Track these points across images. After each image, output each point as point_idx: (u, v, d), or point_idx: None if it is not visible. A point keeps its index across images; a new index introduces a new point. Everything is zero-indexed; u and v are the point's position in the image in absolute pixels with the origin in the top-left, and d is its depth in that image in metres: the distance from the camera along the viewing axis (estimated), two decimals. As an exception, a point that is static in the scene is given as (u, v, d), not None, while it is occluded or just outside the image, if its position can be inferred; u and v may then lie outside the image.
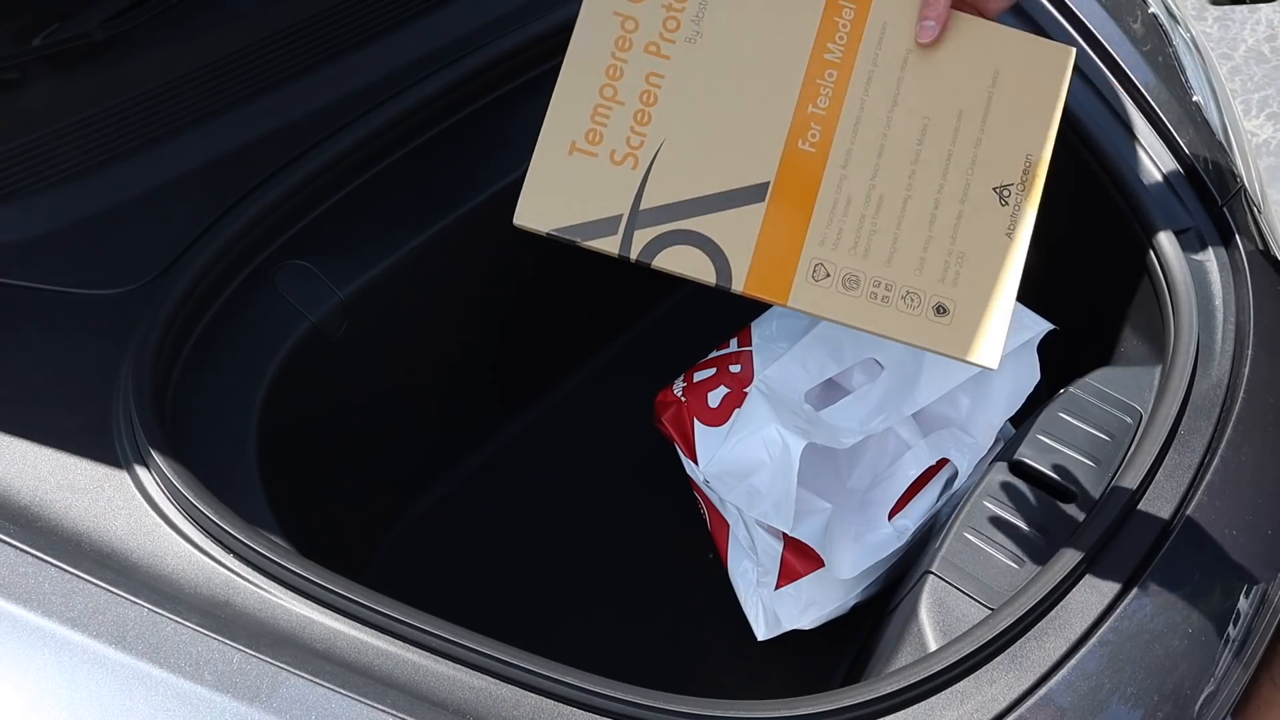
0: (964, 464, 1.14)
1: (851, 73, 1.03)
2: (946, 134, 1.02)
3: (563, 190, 0.99)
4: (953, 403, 1.17)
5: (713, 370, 1.20)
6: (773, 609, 1.19)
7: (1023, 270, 1.00)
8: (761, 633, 1.21)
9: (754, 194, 1.00)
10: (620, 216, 0.99)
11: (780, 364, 1.13)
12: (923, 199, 1.00)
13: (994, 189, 1.01)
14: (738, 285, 0.97)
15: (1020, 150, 1.01)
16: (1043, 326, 1.15)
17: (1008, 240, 1.00)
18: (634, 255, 0.98)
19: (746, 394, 1.13)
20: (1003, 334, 0.97)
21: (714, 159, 1.00)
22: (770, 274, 0.98)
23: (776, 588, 1.18)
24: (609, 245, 0.98)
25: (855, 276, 0.98)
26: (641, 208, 0.99)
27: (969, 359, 0.96)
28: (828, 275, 0.98)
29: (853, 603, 1.18)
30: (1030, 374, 1.16)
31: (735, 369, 1.18)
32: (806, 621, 1.18)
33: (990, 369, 0.96)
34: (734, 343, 1.22)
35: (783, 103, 1.02)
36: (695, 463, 1.18)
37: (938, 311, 0.97)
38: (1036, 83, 1.03)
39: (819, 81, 1.03)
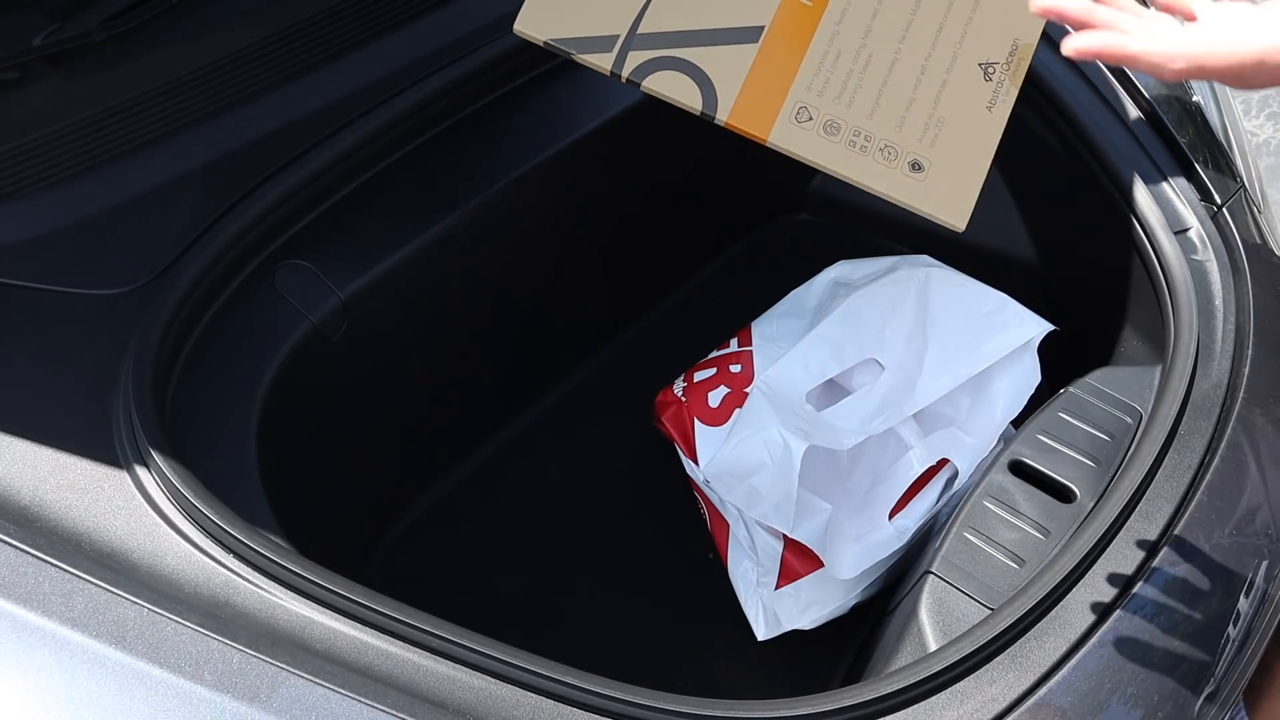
0: (964, 464, 1.14)
1: None
2: (940, 7, 1.07)
3: (565, 3, 1.03)
4: (953, 403, 1.17)
5: (713, 370, 1.20)
6: (773, 609, 1.19)
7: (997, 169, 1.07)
8: (761, 633, 1.21)
9: (749, 35, 1.04)
10: (617, 36, 1.03)
11: (781, 364, 1.13)
12: (910, 63, 1.05)
13: (980, 64, 1.06)
14: (722, 115, 1.02)
15: (1010, 33, 1.07)
16: (1043, 327, 1.15)
17: (987, 113, 1.06)
18: (625, 74, 1.02)
19: (747, 394, 1.13)
20: (973, 197, 1.03)
21: None
22: (755, 109, 1.03)
23: (776, 588, 1.18)
24: (603, 61, 1.03)
25: (837, 124, 1.03)
26: (639, 31, 1.03)
27: (938, 215, 1.02)
28: (810, 118, 1.03)
29: (853, 603, 1.18)
30: (1031, 375, 1.16)
31: (735, 369, 1.18)
32: (806, 621, 1.18)
33: (957, 229, 1.02)
34: (734, 342, 1.22)
35: None
36: (695, 463, 1.18)
37: (913, 167, 1.03)
38: None
39: None
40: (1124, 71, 1.29)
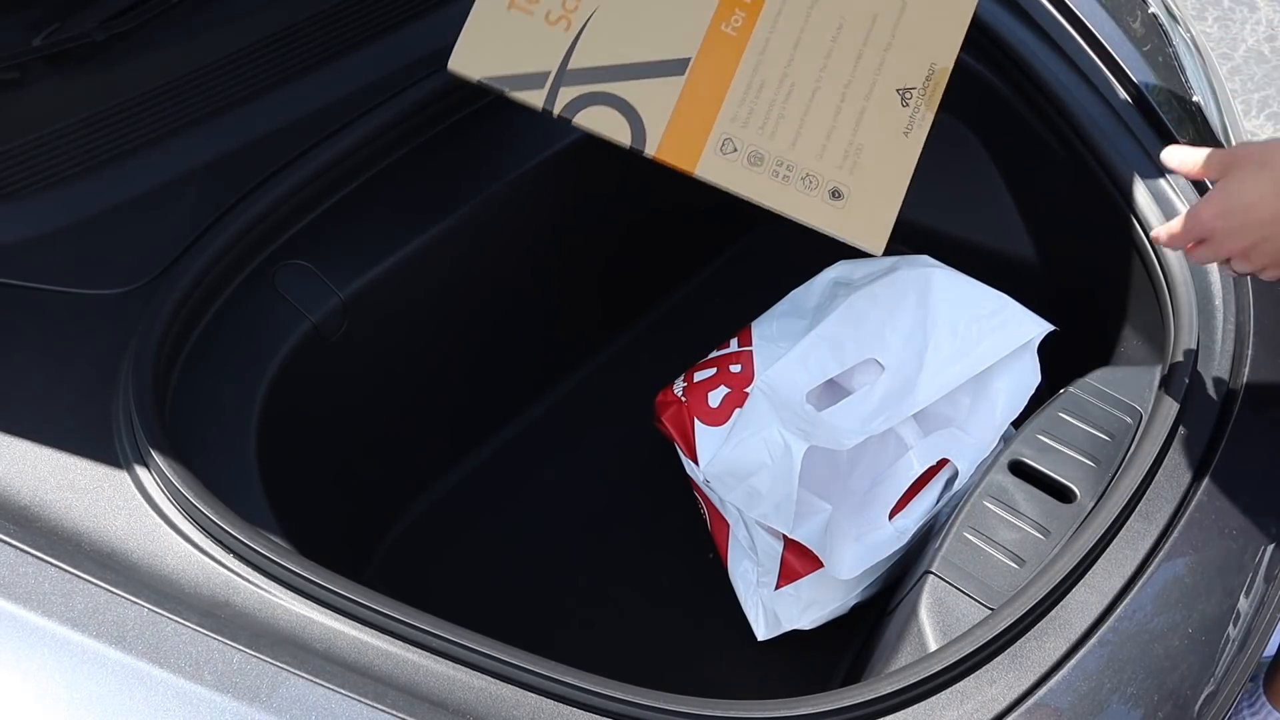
0: (964, 464, 1.14)
1: None
2: (859, 35, 1.09)
3: (497, 43, 1.06)
4: (953, 403, 1.17)
5: (713, 370, 1.20)
6: (773, 609, 1.19)
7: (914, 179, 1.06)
8: (761, 633, 1.21)
9: (675, 67, 1.07)
10: (549, 73, 1.06)
11: (781, 364, 1.13)
12: (831, 91, 1.08)
13: (897, 90, 1.09)
14: (650, 149, 1.05)
15: (926, 58, 1.10)
16: (1043, 327, 1.15)
17: (904, 139, 1.08)
18: (557, 110, 1.05)
19: (747, 394, 1.13)
20: (889, 222, 1.06)
21: (641, 31, 1.07)
22: (682, 143, 1.06)
23: (776, 588, 1.18)
24: (535, 98, 1.05)
25: (760, 154, 1.06)
26: (569, 67, 1.06)
27: (856, 241, 1.05)
28: (735, 150, 1.06)
29: (853, 603, 1.18)
30: (1030, 375, 1.16)
31: (735, 369, 1.18)
32: (806, 621, 1.18)
33: (874, 254, 1.05)
34: (734, 342, 1.22)
35: None
36: (695, 463, 1.18)
37: (833, 195, 1.05)
38: (947, 4, 1.11)
39: None
40: (1124, 71, 1.29)
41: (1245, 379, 1.06)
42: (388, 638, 0.81)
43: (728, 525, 1.22)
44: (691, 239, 1.56)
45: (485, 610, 1.14)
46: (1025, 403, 1.16)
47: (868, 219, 1.06)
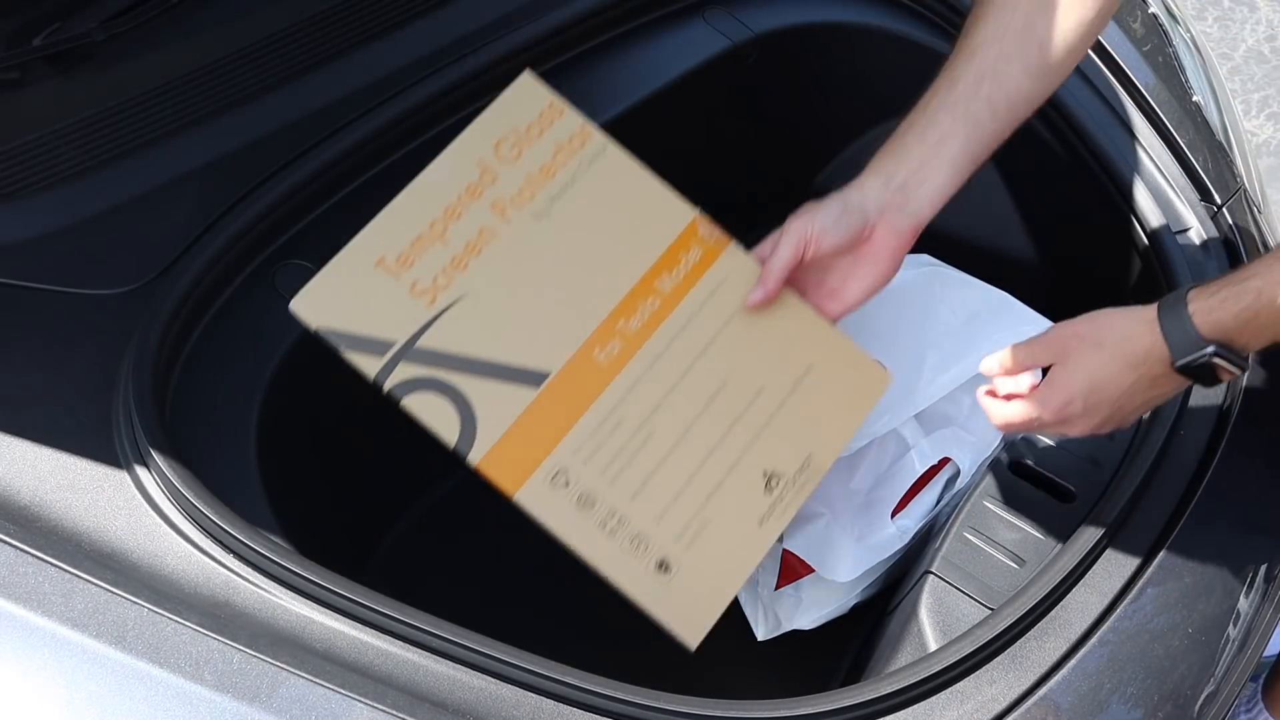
0: (965, 463, 1.14)
1: (674, 309, 1.01)
2: (740, 402, 1.00)
3: (351, 297, 0.95)
4: (955, 402, 1.17)
5: None
6: (773, 609, 1.19)
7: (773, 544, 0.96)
8: (761, 633, 1.21)
9: (531, 379, 0.97)
10: (394, 344, 0.95)
11: None
12: (692, 451, 0.97)
13: (764, 472, 0.98)
14: (474, 457, 0.94)
15: (805, 448, 1.00)
16: (1042, 324, 1.15)
17: (756, 528, 0.97)
18: (387, 386, 0.94)
19: None
20: (713, 616, 0.94)
21: (508, 330, 0.97)
22: (510, 460, 0.95)
23: (776, 588, 1.18)
24: (368, 366, 0.94)
25: (593, 498, 0.95)
26: (417, 345, 0.95)
27: (670, 626, 0.92)
28: (567, 485, 0.95)
29: (853, 603, 1.18)
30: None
31: None
32: (806, 622, 1.18)
33: (687, 647, 0.92)
34: None
35: (595, 308, 1.00)
36: None
37: (660, 566, 0.94)
38: (846, 393, 1.02)
39: (639, 303, 1.01)
40: (1124, 71, 1.29)
41: (1244, 380, 1.06)
42: (388, 638, 0.81)
43: None
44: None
45: (485, 610, 1.14)
46: None
47: (690, 605, 0.93)
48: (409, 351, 0.95)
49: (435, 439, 0.93)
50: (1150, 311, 0.89)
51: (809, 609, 1.18)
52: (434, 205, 0.99)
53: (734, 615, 1.24)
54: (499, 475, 0.94)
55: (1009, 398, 0.97)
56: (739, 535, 0.97)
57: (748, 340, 1.01)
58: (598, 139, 1.04)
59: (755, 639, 1.22)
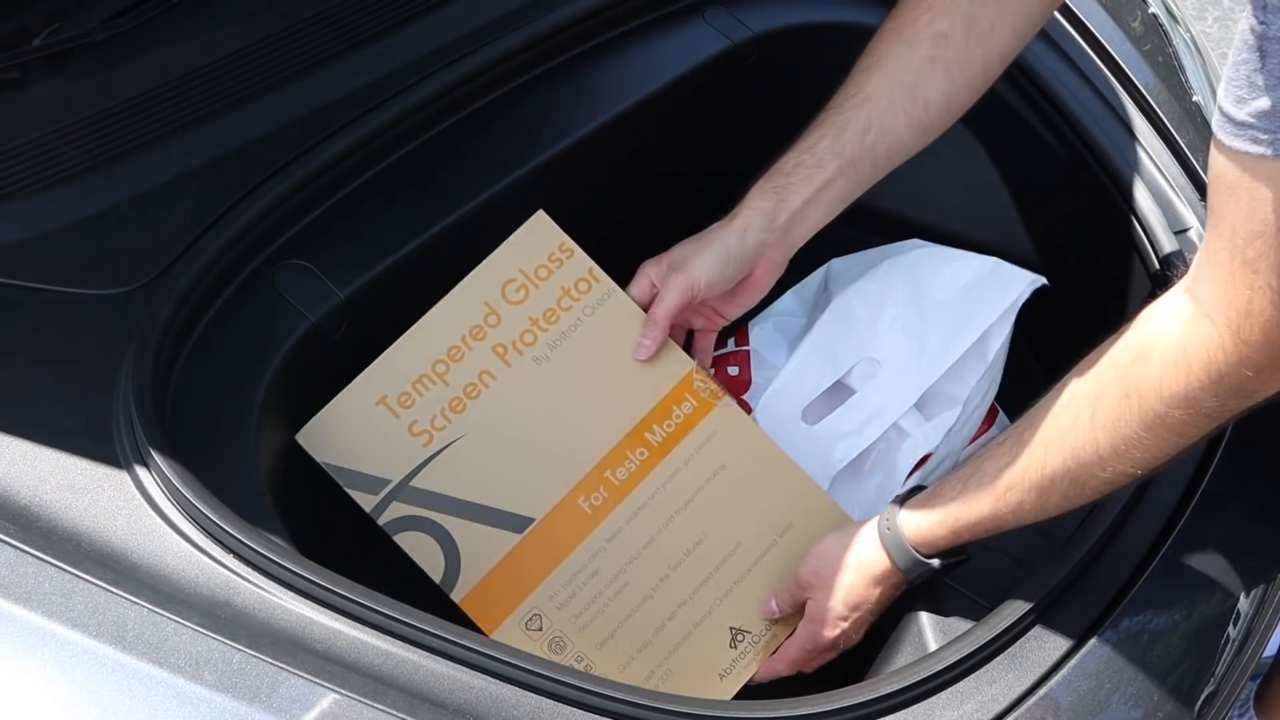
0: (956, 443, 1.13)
1: (661, 461, 1.04)
2: (716, 557, 1.03)
3: (353, 433, 1.00)
4: (958, 378, 1.15)
5: (710, 371, 1.20)
6: None
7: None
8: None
9: (515, 524, 1.00)
10: (389, 481, 1.00)
11: (775, 385, 1.13)
12: (663, 605, 1.00)
13: (731, 628, 1.01)
14: (456, 595, 0.98)
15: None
16: (1034, 280, 1.14)
17: (717, 681, 1.01)
18: (381, 521, 0.99)
19: (746, 403, 1.13)
20: None
21: (498, 475, 1.01)
22: (489, 602, 0.98)
23: None
24: (365, 501, 0.99)
25: (563, 643, 0.98)
26: (411, 483, 1.00)
27: None
28: (540, 629, 0.98)
29: None
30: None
31: (733, 370, 1.17)
32: None
33: None
34: (731, 343, 1.22)
35: (586, 457, 1.03)
36: None
37: None
38: None
39: (628, 454, 1.04)
40: (1124, 71, 1.29)
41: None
42: (388, 638, 0.81)
43: None
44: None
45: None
46: (1023, 391, 1.16)
47: None
48: (403, 490, 1.00)
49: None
50: (872, 533, 0.96)
51: None
52: (438, 345, 1.04)
53: (734, 615, 1.24)
54: (477, 614, 0.99)
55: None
56: (701, 687, 1.00)
57: (732, 494, 1.05)
58: (603, 284, 1.08)
59: (755, 639, 1.21)
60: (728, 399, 1.08)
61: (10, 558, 0.80)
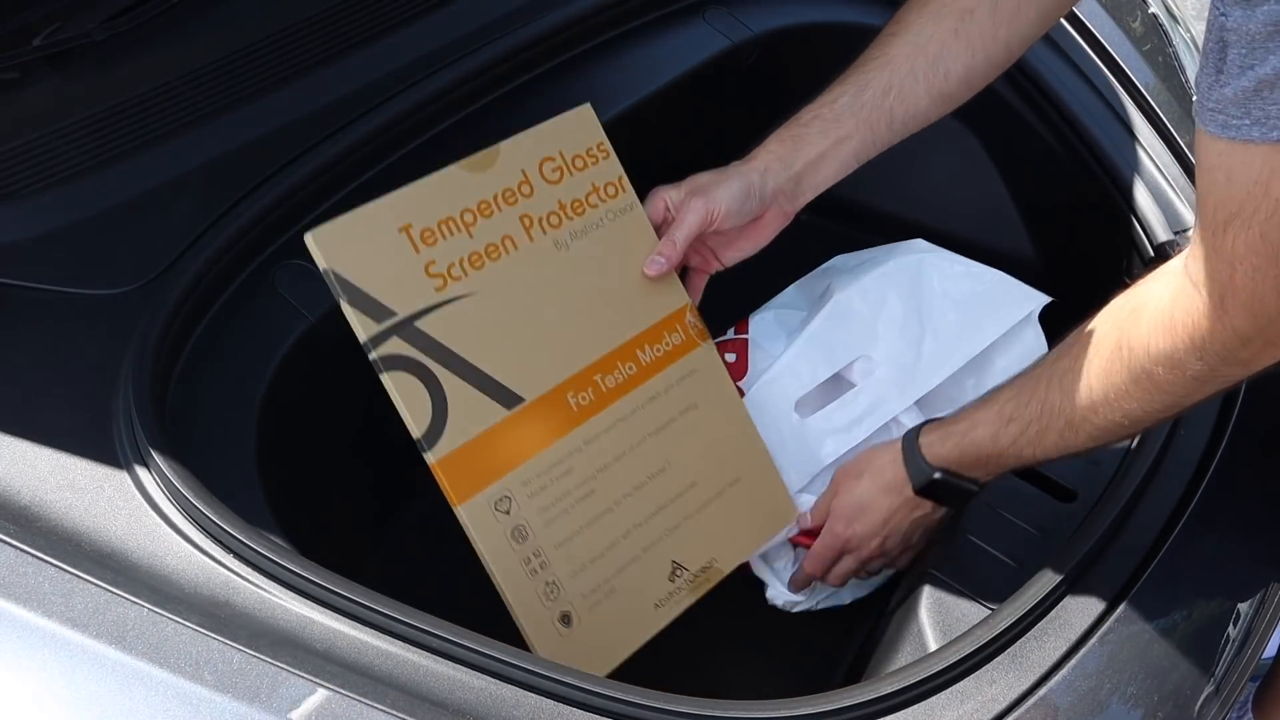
0: None
1: (645, 382, 1.07)
2: (672, 489, 1.06)
3: (367, 251, 0.95)
4: (958, 384, 1.16)
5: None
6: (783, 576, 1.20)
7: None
8: (771, 594, 1.20)
9: (507, 398, 0.99)
10: (394, 314, 0.95)
11: (769, 375, 1.13)
12: (619, 522, 1.03)
13: (673, 561, 1.05)
14: (432, 456, 0.95)
15: (710, 550, 1.07)
16: (1040, 300, 1.14)
17: (652, 610, 1.04)
18: (374, 354, 0.94)
19: (740, 389, 1.13)
20: (603, 673, 0.98)
21: (499, 344, 1.00)
22: (463, 470, 0.96)
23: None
24: (363, 328, 0.94)
25: (525, 533, 0.98)
26: (417, 324, 0.96)
27: None
28: (506, 513, 0.97)
29: (849, 596, 1.18)
30: (1035, 349, 1.15)
31: (731, 357, 1.17)
32: (811, 601, 1.18)
33: None
34: (731, 331, 1.22)
35: (581, 354, 1.04)
36: None
37: (563, 619, 0.98)
38: (758, 514, 1.10)
39: (618, 365, 1.05)
40: (1124, 71, 1.29)
41: (1244, 381, 1.06)
42: (388, 638, 0.81)
43: None
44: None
45: (485, 610, 1.14)
46: None
47: (582, 659, 0.96)
48: (406, 328, 0.95)
49: (402, 421, 0.94)
50: (896, 446, 1.05)
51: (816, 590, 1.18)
52: (470, 194, 1.01)
53: (734, 614, 1.24)
54: (449, 480, 0.96)
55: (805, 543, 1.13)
56: (636, 611, 1.03)
57: (696, 434, 1.08)
58: (628, 195, 1.08)
59: (756, 639, 1.22)
60: (710, 342, 1.11)
61: (10, 558, 0.80)
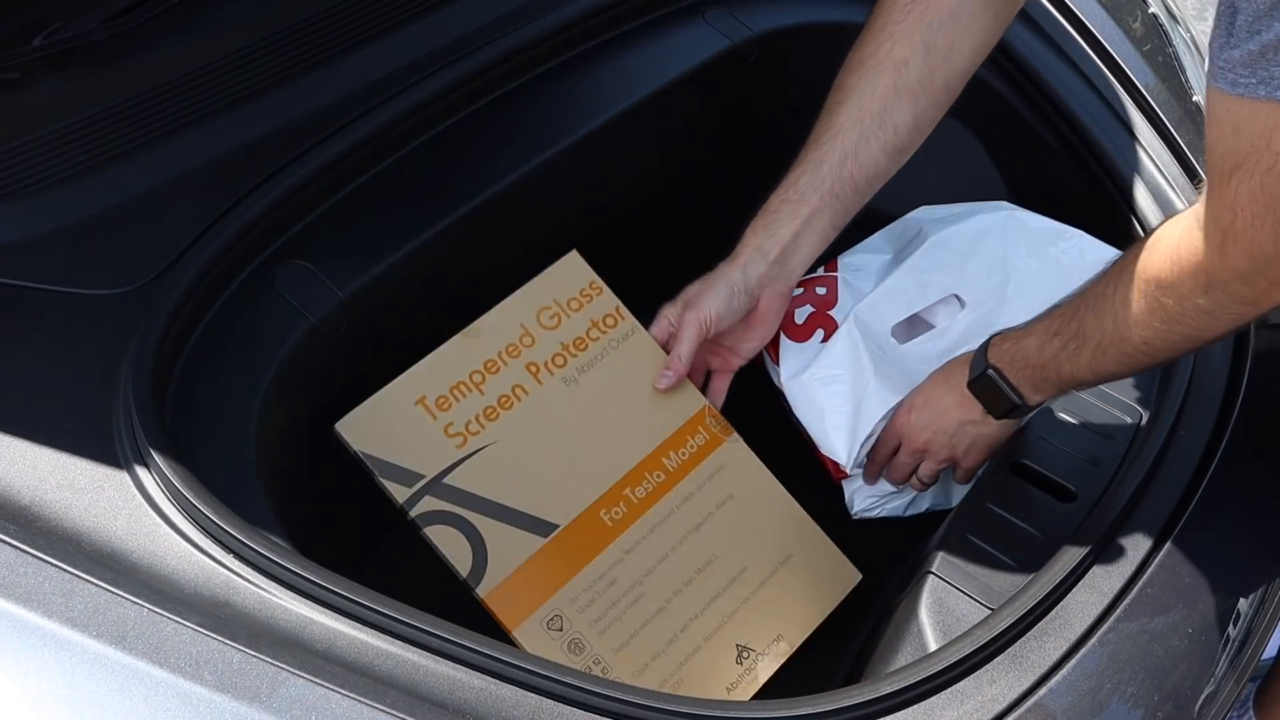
0: None
1: (675, 486, 1.12)
2: (724, 577, 1.09)
3: (391, 428, 1.06)
4: None
5: (800, 290, 1.22)
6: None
7: None
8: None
9: (541, 528, 1.06)
10: (424, 477, 1.04)
11: (871, 298, 1.17)
12: (675, 618, 1.06)
13: (737, 645, 1.07)
14: (481, 591, 1.02)
15: (776, 628, 1.10)
16: (1112, 254, 1.16)
17: (725, 694, 1.06)
18: (413, 513, 1.03)
19: (830, 316, 1.18)
20: None
21: (526, 480, 1.07)
22: (513, 599, 1.03)
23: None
24: (398, 493, 1.04)
25: (582, 645, 1.03)
26: (444, 480, 1.05)
27: None
28: (560, 630, 1.03)
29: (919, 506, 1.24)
30: None
31: (821, 291, 1.21)
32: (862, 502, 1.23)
33: None
34: (821, 269, 1.25)
35: (608, 473, 1.10)
36: (778, 367, 1.20)
37: None
38: (818, 583, 1.13)
39: (646, 475, 1.12)
40: (1124, 71, 1.29)
41: (1245, 378, 1.06)
42: (388, 638, 0.81)
43: None
44: (690, 240, 1.56)
45: (486, 610, 1.14)
46: None
47: None
48: (436, 486, 1.05)
49: (447, 565, 1.03)
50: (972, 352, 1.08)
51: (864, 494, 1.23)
52: (475, 357, 1.11)
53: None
54: (500, 611, 1.02)
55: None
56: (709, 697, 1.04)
57: (738, 522, 1.13)
58: (628, 321, 1.17)
59: (755, 639, 1.22)
60: (735, 435, 1.17)
61: (10, 558, 0.80)
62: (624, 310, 1.17)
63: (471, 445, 1.07)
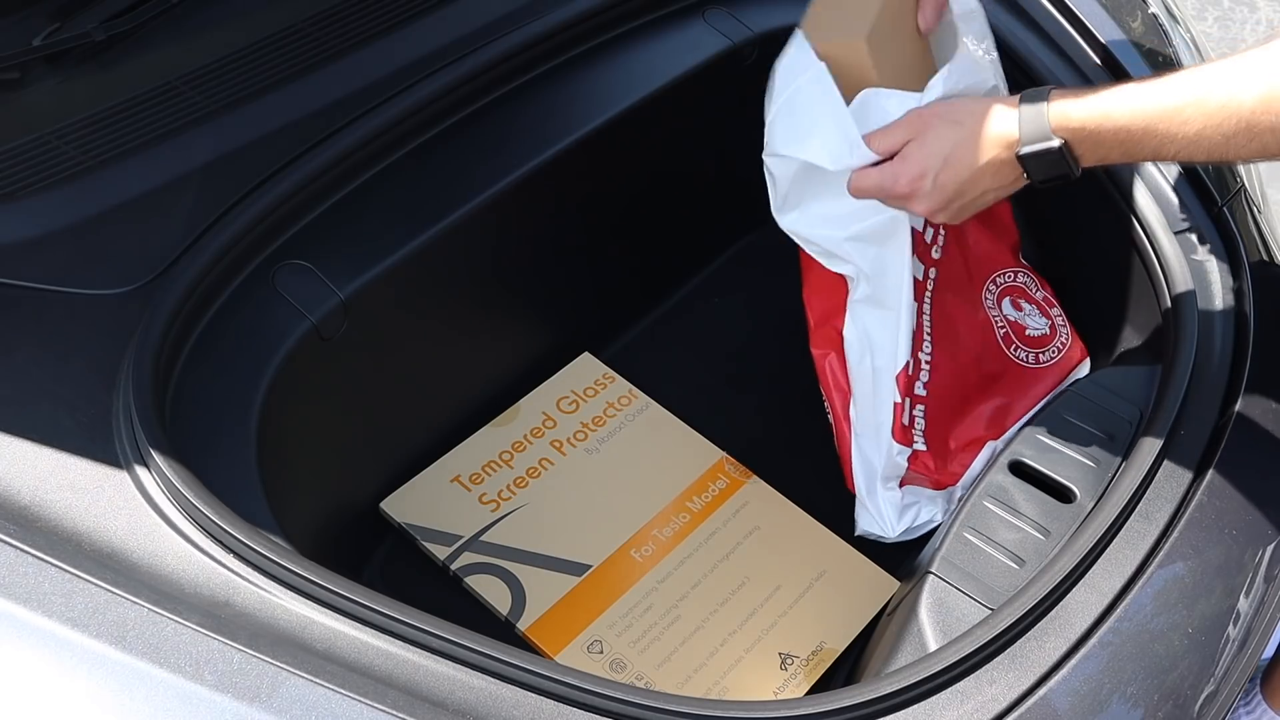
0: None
1: (699, 525, 1.20)
2: (760, 596, 1.15)
3: (431, 502, 1.20)
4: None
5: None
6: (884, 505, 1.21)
7: None
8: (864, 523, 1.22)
9: (575, 569, 1.15)
10: (461, 537, 1.18)
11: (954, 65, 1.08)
12: (714, 634, 1.11)
13: (780, 653, 1.11)
14: (522, 625, 1.10)
15: (818, 635, 1.13)
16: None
17: (774, 697, 1.08)
18: (454, 567, 1.16)
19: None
20: None
21: (557, 532, 1.18)
22: (554, 630, 1.10)
23: (901, 485, 1.20)
24: (439, 552, 1.17)
25: (624, 663, 1.08)
26: (481, 538, 1.18)
27: None
28: (601, 652, 1.09)
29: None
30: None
31: None
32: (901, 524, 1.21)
33: None
34: None
35: (634, 520, 1.19)
36: None
37: None
38: (855, 593, 1.16)
39: (671, 518, 1.20)
40: (1124, 71, 1.29)
41: (1245, 379, 1.06)
42: (388, 638, 0.81)
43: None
44: (690, 240, 1.56)
45: (485, 610, 1.14)
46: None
47: None
48: (474, 543, 1.17)
49: (489, 610, 1.11)
50: (1012, 100, 0.95)
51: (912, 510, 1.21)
52: (503, 440, 1.26)
53: (734, 615, 1.24)
54: (542, 640, 1.10)
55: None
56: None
57: (767, 548, 1.19)
58: (641, 399, 1.32)
59: (755, 639, 1.22)
60: (755, 478, 1.24)
61: (10, 558, 0.80)
62: (637, 390, 1.31)
63: (504, 509, 1.19)
